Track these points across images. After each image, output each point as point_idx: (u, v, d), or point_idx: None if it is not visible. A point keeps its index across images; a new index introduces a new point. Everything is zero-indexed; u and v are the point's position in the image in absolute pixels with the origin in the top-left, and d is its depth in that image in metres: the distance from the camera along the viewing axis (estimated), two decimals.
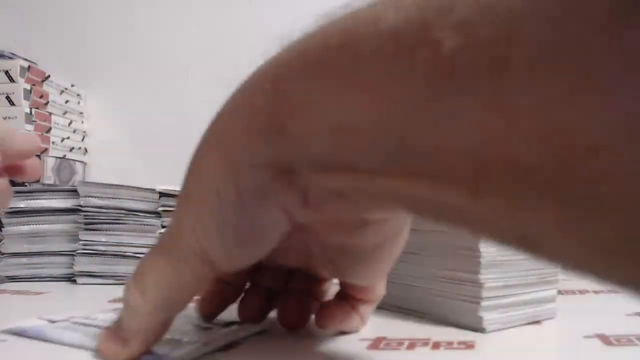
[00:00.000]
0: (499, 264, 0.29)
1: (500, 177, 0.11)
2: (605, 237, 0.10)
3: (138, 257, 0.47)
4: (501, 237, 0.13)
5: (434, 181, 0.13)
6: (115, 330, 0.22)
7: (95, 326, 0.27)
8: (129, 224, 0.48)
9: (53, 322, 0.28)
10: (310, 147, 0.16)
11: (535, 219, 0.11)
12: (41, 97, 0.67)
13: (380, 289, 0.27)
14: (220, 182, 0.18)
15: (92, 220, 0.49)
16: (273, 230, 0.20)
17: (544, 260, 0.13)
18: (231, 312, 0.28)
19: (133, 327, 0.21)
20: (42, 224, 0.50)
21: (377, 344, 0.26)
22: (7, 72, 0.63)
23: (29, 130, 0.63)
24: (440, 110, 0.12)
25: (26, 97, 0.64)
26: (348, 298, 0.27)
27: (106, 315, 0.29)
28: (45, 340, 0.25)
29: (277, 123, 0.16)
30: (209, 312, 0.28)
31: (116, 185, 0.49)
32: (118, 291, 0.21)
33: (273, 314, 0.29)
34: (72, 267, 0.48)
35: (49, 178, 0.66)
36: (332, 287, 0.29)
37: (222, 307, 0.28)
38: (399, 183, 0.14)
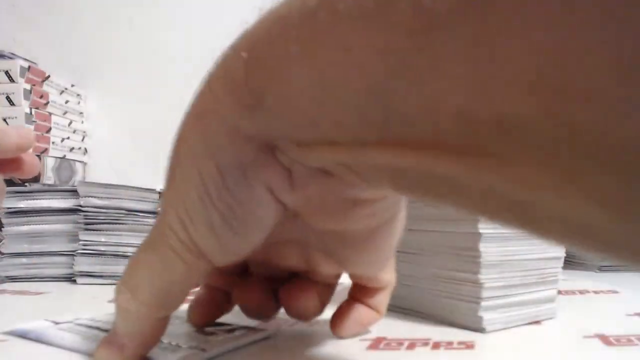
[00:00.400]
0: (499, 264, 0.29)
1: (488, 136, 0.11)
2: (605, 188, 0.09)
3: None
4: (494, 208, 0.12)
5: (420, 148, 0.12)
6: (111, 337, 0.21)
7: (99, 329, 0.27)
8: (128, 224, 0.48)
9: (57, 323, 0.28)
10: (290, 119, 0.15)
11: (529, 179, 0.11)
12: (41, 97, 0.67)
13: (387, 276, 0.26)
14: (200, 160, 0.17)
15: (92, 220, 0.49)
16: (261, 213, 0.19)
17: (538, 231, 0.12)
18: (235, 317, 0.28)
19: (127, 330, 0.20)
20: (42, 224, 0.50)
21: (377, 344, 0.26)
22: (7, 72, 0.63)
23: None
24: (422, 65, 0.11)
25: (26, 97, 0.64)
26: (359, 294, 0.27)
27: (112, 318, 0.29)
28: (46, 343, 0.25)
29: (255, 94, 0.15)
30: (202, 321, 0.27)
31: (116, 185, 0.49)
32: None
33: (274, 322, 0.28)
34: (72, 267, 0.49)
35: (49, 178, 0.66)
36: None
37: (215, 314, 0.28)
38: (384, 155, 0.14)
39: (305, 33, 0.14)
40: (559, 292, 0.32)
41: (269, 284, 0.26)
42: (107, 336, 0.21)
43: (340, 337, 0.27)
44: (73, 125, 0.74)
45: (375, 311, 0.27)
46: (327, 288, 0.26)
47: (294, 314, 0.26)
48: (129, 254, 0.48)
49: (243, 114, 0.16)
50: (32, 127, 0.64)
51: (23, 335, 0.27)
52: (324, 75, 0.14)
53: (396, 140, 0.13)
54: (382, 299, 0.27)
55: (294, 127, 0.16)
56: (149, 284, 0.19)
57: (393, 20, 0.11)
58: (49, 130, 0.68)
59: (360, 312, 0.27)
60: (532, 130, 0.10)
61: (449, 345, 0.26)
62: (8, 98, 0.63)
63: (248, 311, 0.27)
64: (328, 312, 0.27)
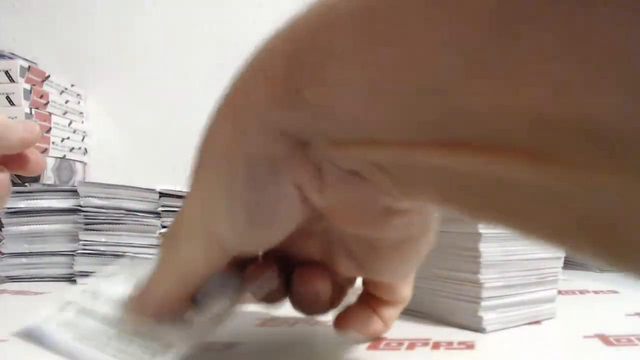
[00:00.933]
0: (499, 264, 0.29)
1: (572, 142, 0.10)
2: None
3: (138, 257, 0.47)
4: (559, 222, 0.11)
5: (482, 150, 0.11)
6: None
7: (94, 318, 0.26)
8: (128, 224, 0.48)
9: (62, 310, 0.27)
10: (331, 117, 0.14)
11: (615, 194, 0.09)
12: (41, 97, 0.67)
13: (404, 291, 0.25)
14: (230, 152, 0.17)
15: (92, 220, 0.49)
16: (285, 211, 0.18)
17: (608, 257, 0.11)
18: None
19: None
20: (42, 224, 0.50)
21: (377, 344, 0.26)
22: (7, 72, 0.63)
23: None
24: (500, 60, 0.10)
25: (26, 97, 0.64)
26: (370, 301, 0.26)
27: (115, 305, 0.28)
28: (44, 345, 0.25)
29: (294, 90, 0.15)
30: None
31: (116, 185, 0.49)
32: None
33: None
34: (72, 267, 0.49)
35: (49, 178, 0.66)
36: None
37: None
38: (434, 156, 0.12)
39: (356, 27, 0.12)
40: (559, 292, 0.32)
41: (283, 266, 0.25)
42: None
43: (341, 334, 0.26)
44: (73, 125, 0.74)
45: (383, 323, 0.26)
46: (340, 287, 0.25)
47: (305, 298, 0.24)
48: (128, 254, 0.48)
49: (279, 110, 0.16)
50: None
51: (28, 334, 0.26)
52: (375, 74, 0.13)
53: (453, 140, 0.12)
54: (393, 314, 0.26)
55: (334, 125, 0.15)
56: (166, 275, 0.20)
57: (468, 10, 0.10)
58: (49, 130, 0.68)
59: (369, 319, 0.26)
60: (629, 139, 0.09)
61: (449, 345, 0.26)
62: (8, 98, 0.63)
63: (257, 293, 0.25)
64: (329, 314, 0.27)
